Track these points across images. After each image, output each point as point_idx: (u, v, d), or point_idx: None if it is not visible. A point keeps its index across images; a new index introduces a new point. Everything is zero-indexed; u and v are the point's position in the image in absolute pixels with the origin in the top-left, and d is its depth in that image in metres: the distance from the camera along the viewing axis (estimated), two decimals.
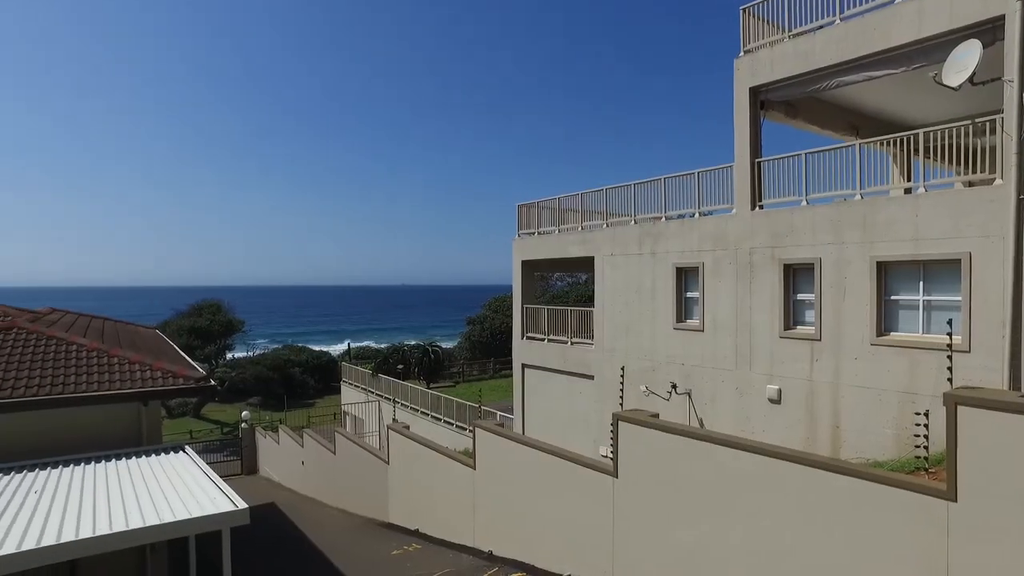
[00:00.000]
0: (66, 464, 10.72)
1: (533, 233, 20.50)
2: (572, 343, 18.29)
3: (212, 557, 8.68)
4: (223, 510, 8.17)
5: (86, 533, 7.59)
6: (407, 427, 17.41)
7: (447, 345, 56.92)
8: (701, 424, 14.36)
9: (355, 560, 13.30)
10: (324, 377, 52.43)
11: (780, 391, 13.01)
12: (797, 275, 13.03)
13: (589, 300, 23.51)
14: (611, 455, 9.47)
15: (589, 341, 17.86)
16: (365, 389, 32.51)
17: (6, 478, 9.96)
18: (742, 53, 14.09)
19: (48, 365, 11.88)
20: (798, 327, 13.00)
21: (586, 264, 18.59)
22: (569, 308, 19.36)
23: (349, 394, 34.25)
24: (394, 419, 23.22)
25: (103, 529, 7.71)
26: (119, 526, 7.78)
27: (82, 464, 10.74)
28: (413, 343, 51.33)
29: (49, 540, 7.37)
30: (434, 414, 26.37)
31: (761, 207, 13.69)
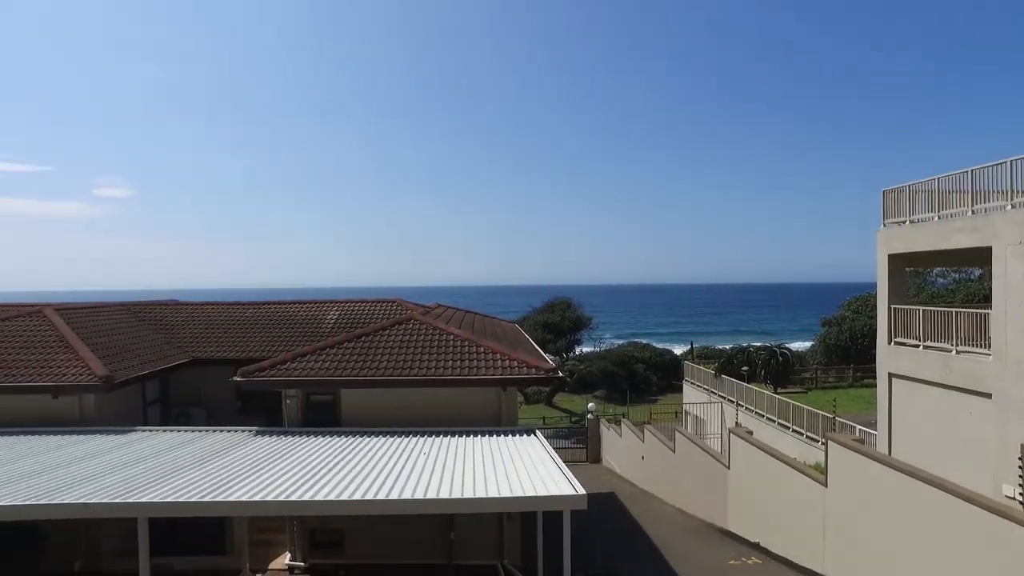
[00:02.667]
0: (443, 434, 12.73)
1: (903, 222, 17.53)
2: (958, 352, 15.11)
3: (555, 532, 9.36)
4: (564, 493, 8.75)
5: (457, 494, 8.90)
6: (750, 432, 16.48)
7: (798, 347, 52.42)
8: None
9: (689, 562, 13.06)
10: (666, 375, 52.87)
11: None
12: None
13: (984, 300, 19.22)
14: (1021, 497, 7.51)
15: (984, 350, 14.53)
16: (707, 390, 31.85)
17: (403, 440, 12.26)
18: None
19: (432, 351, 14.26)
20: None
21: (978, 256, 15.18)
22: (953, 309, 16.04)
23: (691, 393, 33.94)
24: (737, 423, 22.25)
25: (469, 493, 8.94)
26: (481, 492, 8.93)
27: (455, 435, 12.64)
28: (759, 344, 48.50)
29: (432, 494, 8.86)
30: (781, 421, 24.49)
31: None
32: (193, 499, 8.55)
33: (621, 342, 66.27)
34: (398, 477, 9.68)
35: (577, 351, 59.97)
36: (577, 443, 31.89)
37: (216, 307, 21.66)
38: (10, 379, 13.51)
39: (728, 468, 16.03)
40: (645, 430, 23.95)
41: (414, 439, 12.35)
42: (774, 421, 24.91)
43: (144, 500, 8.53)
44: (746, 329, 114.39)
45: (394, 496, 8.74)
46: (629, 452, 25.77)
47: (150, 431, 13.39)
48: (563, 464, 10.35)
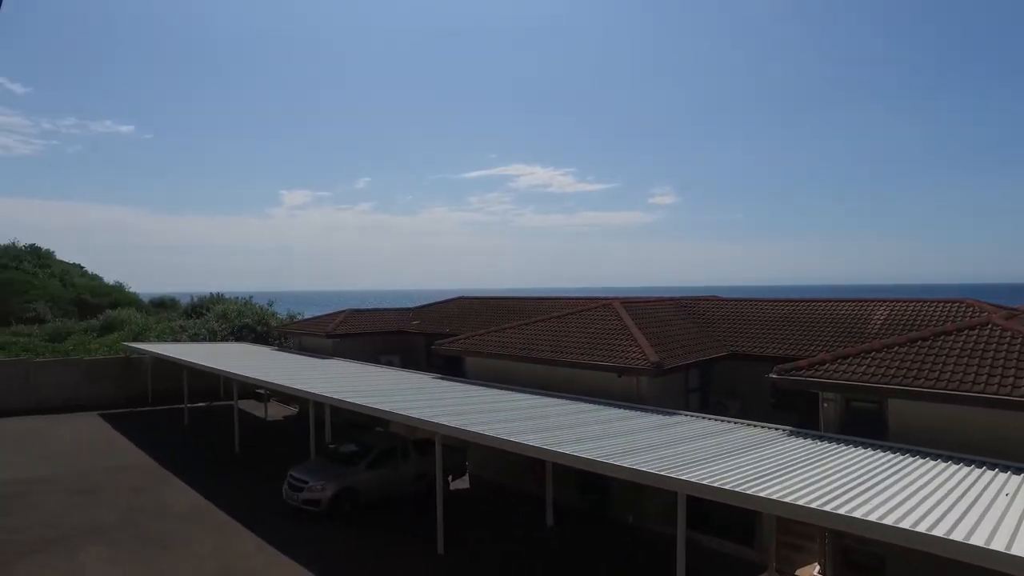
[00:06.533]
0: None
1: None
2: None
3: None
4: None
5: None
6: None
7: None
8: None
9: None
10: None
11: None
12: None
13: None
14: None
15: None
16: None
17: (970, 469, 10.04)
18: None
19: (1011, 362, 11.31)
20: None
21: None
22: None
23: None
24: None
25: None
26: None
27: None
28: None
29: (999, 545, 6.92)
30: None
31: None
32: (727, 486, 8.80)
33: None
34: (964, 512, 7.97)
35: None
36: None
37: (753, 303, 22.09)
38: (589, 358, 16.65)
39: None
40: None
41: (988, 472, 10.01)
42: None
43: (684, 478, 9.22)
44: None
45: (955, 537, 7.19)
46: None
47: (691, 416, 14.53)
48: None
